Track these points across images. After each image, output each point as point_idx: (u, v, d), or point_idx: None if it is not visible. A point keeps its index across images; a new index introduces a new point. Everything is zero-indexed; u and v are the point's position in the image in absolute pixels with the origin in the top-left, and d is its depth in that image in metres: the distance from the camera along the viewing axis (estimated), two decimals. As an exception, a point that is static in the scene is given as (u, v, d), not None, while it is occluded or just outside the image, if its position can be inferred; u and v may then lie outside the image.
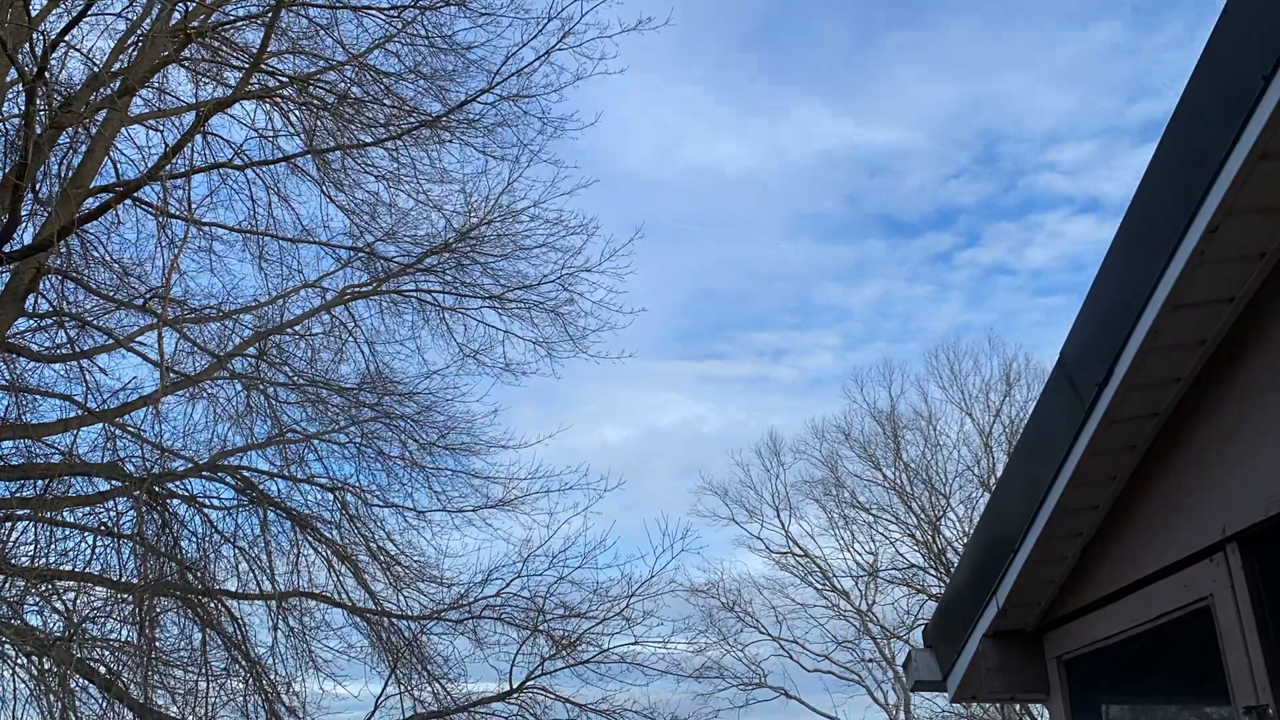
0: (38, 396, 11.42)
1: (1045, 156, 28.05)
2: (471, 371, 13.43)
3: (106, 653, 10.25)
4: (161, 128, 11.79)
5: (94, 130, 10.73)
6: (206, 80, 11.82)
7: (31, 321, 11.27)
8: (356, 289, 13.14)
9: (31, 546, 10.18)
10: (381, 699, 11.79)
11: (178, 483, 11.62)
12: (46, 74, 8.73)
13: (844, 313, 31.30)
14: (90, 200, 10.50)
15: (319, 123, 11.87)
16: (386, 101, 11.79)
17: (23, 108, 8.60)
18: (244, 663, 11.28)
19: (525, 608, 12.62)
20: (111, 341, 11.59)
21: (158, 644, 10.54)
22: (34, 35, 9.33)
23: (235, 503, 12.02)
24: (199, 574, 11.28)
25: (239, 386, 12.47)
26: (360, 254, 12.97)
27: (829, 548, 27.85)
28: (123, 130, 11.26)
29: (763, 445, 29.48)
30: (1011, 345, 37.50)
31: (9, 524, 10.19)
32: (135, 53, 10.91)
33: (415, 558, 13.06)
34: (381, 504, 13.01)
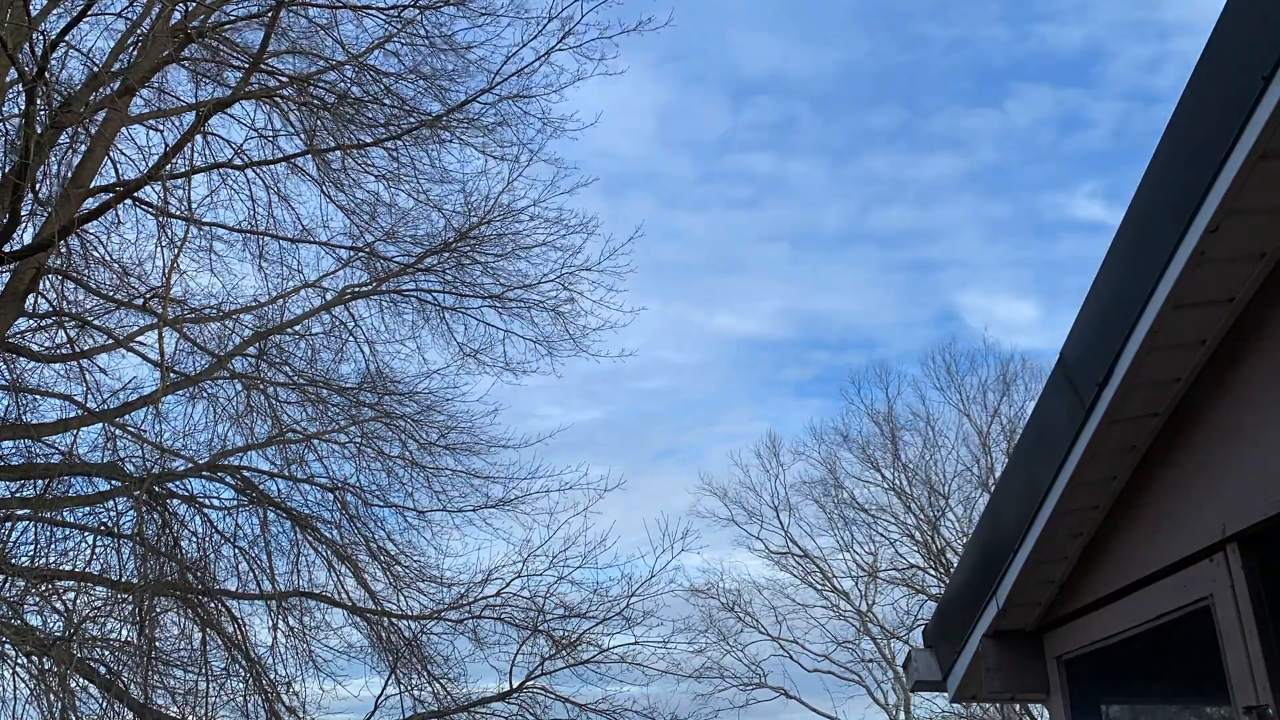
0: (38, 396, 11.43)
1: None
2: (472, 371, 13.44)
3: (106, 653, 10.25)
4: (161, 128, 11.81)
5: (94, 130, 10.73)
6: (206, 80, 11.82)
7: (31, 321, 11.28)
8: (356, 289, 13.14)
9: (31, 546, 10.19)
10: (381, 699, 11.80)
11: (178, 483, 11.62)
12: (46, 74, 8.73)
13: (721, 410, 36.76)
14: (90, 200, 10.50)
15: (319, 123, 11.86)
16: (386, 101, 11.79)
17: (23, 108, 8.60)
18: (244, 663, 11.28)
19: (525, 608, 12.65)
20: (111, 341, 11.59)
21: (158, 644, 10.54)
22: (34, 35, 9.33)
23: (235, 503, 12.03)
24: (199, 574, 11.27)
25: (239, 386, 12.47)
26: (360, 254, 12.98)
27: (828, 548, 27.82)
28: (123, 130, 11.27)
29: (762, 446, 29.45)
30: (1007, 346, 37.62)
31: (9, 524, 10.18)
32: (135, 53, 10.91)
33: (415, 558, 13.08)
34: (381, 504, 13.03)
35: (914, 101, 31.74)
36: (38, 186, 9.65)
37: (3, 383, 10.99)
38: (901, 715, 25.96)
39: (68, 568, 10.53)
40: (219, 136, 12.02)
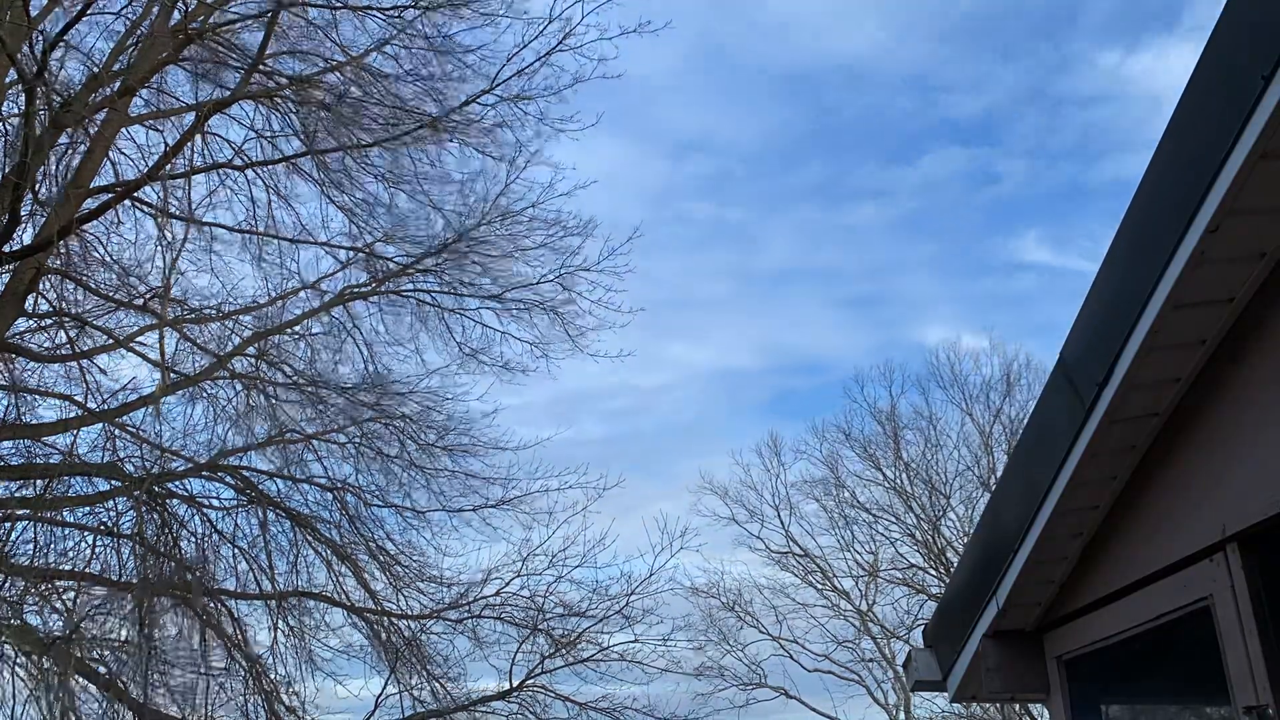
0: (38, 396, 11.43)
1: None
2: (471, 371, 13.43)
3: (106, 653, 10.25)
4: (161, 128, 11.79)
5: (94, 130, 10.72)
6: (206, 81, 11.80)
7: (31, 321, 11.28)
8: (356, 289, 13.13)
9: (31, 546, 10.18)
10: (381, 698, 11.79)
11: (178, 483, 11.62)
12: (46, 74, 8.73)
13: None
14: (90, 200, 10.50)
15: (318, 123, 11.86)
16: (386, 102, 11.79)
17: (23, 108, 8.60)
18: (243, 663, 11.28)
19: (525, 607, 12.65)
20: (111, 341, 11.58)
21: (157, 644, 10.54)
22: (34, 35, 9.33)
23: (235, 503, 12.03)
24: (199, 574, 11.27)
25: (239, 386, 12.47)
26: (359, 254, 12.98)
27: (829, 547, 27.80)
28: (123, 130, 11.26)
29: (763, 445, 29.44)
30: (1012, 346, 37.60)
31: (9, 524, 10.18)
32: (135, 53, 10.90)
33: (415, 557, 13.07)
34: (381, 504, 13.02)
35: (836, 159, 34.86)
36: (37, 186, 9.65)
37: (3, 383, 10.99)
38: (901, 715, 25.97)
39: (68, 568, 10.54)
40: (219, 137, 12.02)
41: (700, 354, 35.47)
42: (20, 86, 8.79)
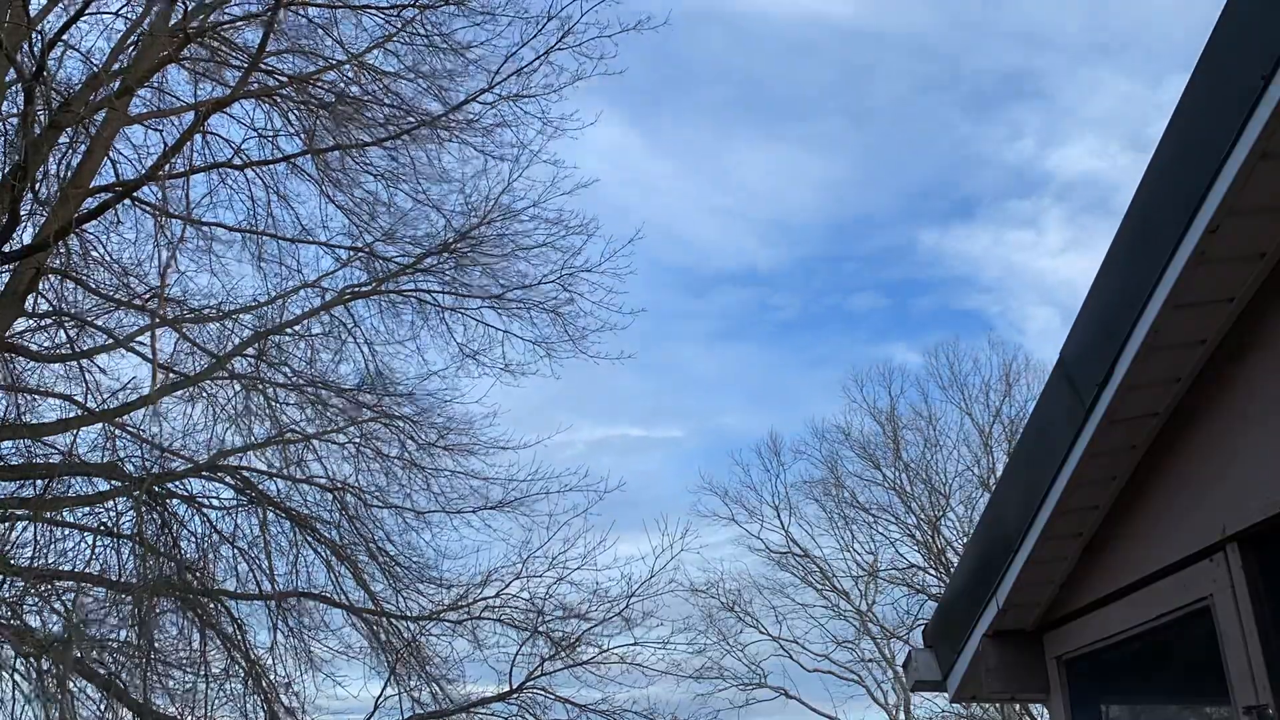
0: (38, 396, 11.43)
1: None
2: (471, 372, 13.42)
3: (106, 653, 10.24)
4: (161, 127, 11.78)
5: (93, 130, 10.72)
6: (206, 80, 11.81)
7: (31, 321, 11.27)
8: (356, 289, 13.12)
9: (31, 546, 10.17)
10: (381, 699, 11.78)
11: (177, 483, 11.61)
12: (45, 74, 8.73)
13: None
14: (90, 200, 10.50)
15: (318, 122, 11.85)
16: (386, 101, 11.79)
17: (22, 107, 8.60)
18: (243, 663, 11.27)
19: (524, 609, 12.64)
20: (111, 341, 11.58)
21: (157, 644, 10.53)
22: (32, 35, 9.32)
23: (235, 503, 12.01)
24: (199, 574, 11.26)
25: (238, 386, 12.45)
26: (360, 254, 12.97)
27: (829, 548, 27.83)
28: (122, 130, 11.25)
29: (763, 445, 29.44)
30: (1011, 346, 37.61)
31: (9, 524, 10.18)
32: (134, 52, 10.90)
33: (414, 558, 13.07)
34: (380, 504, 13.01)
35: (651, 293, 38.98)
36: (37, 186, 9.64)
37: (3, 383, 10.99)
38: (901, 715, 25.98)
39: (68, 568, 10.53)
40: (218, 136, 12.02)
41: (586, 424, 37.47)
42: (19, 86, 8.79)
